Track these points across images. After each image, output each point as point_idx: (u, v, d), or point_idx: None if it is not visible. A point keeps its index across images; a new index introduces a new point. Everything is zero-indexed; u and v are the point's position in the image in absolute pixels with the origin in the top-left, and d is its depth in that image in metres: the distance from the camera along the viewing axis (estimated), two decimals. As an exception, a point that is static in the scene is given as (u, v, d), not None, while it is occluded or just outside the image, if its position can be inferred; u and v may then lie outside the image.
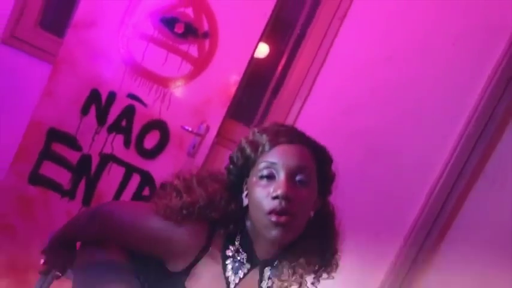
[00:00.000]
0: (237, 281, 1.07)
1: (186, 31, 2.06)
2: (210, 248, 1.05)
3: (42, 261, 1.27)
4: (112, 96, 2.09)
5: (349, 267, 2.09)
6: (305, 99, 2.16)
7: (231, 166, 1.11)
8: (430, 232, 2.03)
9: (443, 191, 2.03)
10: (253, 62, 2.18)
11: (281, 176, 1.00)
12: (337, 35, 2.13)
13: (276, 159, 1.02)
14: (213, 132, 2.11)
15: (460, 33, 2.08)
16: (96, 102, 2.09)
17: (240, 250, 1.07)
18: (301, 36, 2.23)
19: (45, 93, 2.07)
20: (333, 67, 2.14)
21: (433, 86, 2.11)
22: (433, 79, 2.11)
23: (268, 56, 2.33)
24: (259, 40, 2.09)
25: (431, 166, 2.11)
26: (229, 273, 1.07)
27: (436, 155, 2.11)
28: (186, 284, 1.06)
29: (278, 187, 0.98)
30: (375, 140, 2.16)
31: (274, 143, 1.04)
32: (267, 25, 2.08)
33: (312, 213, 1.05)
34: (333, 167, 1.12)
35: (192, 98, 2.10)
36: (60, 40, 2.17)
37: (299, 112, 2.16)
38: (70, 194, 2.13)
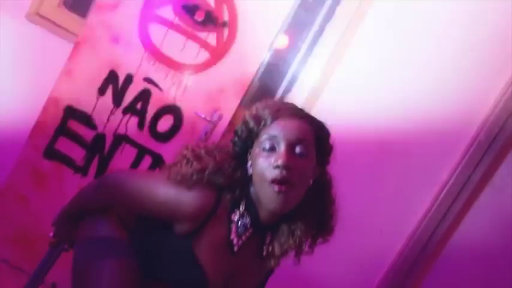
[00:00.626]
0: (240, 244, 1.13)
1: (206, 19, 2.08)
2: (217, 211, 1.11)
3: (51, 233, 1.33)
4: (129, 78, 2.12)
5: (349, 264, 2.14)
6: (319, 95, 2.17)
7: (236, 138, 1.17)
8: (432, 236, 2.04)
9: (450, 196, 2.04)
10: (271, 53, 2.19)
11: (281, 147, 1.08)
12: (355, 33, 2.13)
13: (277, 132, 1.09)
14: (225, 120, 2.13)
15: (478, 39, 2.06)
16: (114, 83, 2.13)
17: (245, 214, 1.13)
18: (320, 32, 2.23)
19: (65, 72, 2.12)
20: (348, 65, 2.14)
21: (447, 90, 2.10)
22: (448, 83, 2.10)
23: (286, 48, 2.34)
24: (278, 33, 2.10)
25: (440, 170, 2.11)
26: (233, 235, 1.13)
27: (445, 159, 2.10)
28: (193, 245, 1.11)
29: (279, 157, 1.06)
30: (386, 139, 2.16)
31: (275, 117, 1.11)
32: (286, 19, 2.09)
33: (310, 181, 1.12)
34: (331, 140, 1.19)
35: (208, 85, 2.13)
36: (82, 20, 2.21)
37: (312, 107, 2.17)
38: (83, 170, 2.18)
